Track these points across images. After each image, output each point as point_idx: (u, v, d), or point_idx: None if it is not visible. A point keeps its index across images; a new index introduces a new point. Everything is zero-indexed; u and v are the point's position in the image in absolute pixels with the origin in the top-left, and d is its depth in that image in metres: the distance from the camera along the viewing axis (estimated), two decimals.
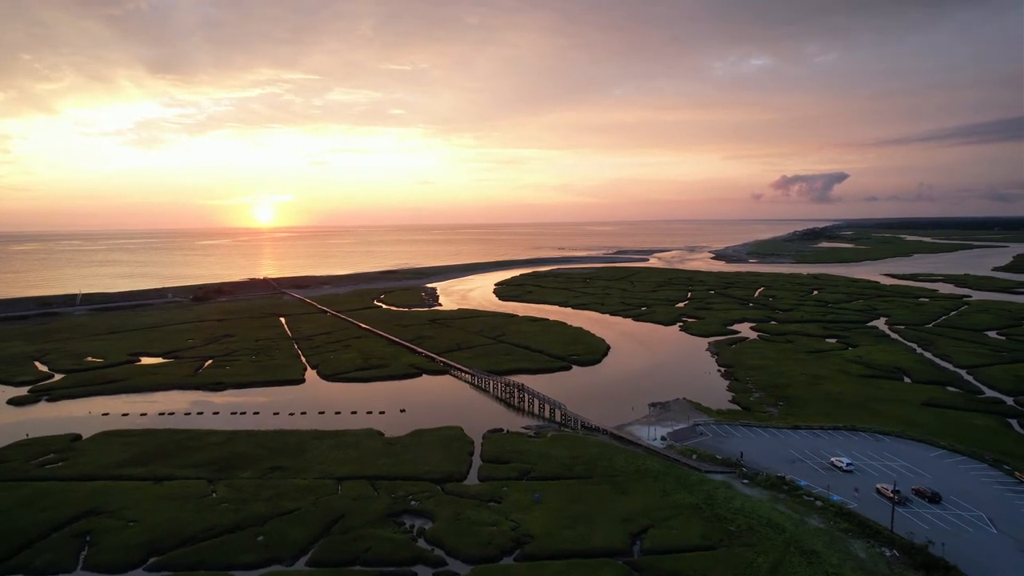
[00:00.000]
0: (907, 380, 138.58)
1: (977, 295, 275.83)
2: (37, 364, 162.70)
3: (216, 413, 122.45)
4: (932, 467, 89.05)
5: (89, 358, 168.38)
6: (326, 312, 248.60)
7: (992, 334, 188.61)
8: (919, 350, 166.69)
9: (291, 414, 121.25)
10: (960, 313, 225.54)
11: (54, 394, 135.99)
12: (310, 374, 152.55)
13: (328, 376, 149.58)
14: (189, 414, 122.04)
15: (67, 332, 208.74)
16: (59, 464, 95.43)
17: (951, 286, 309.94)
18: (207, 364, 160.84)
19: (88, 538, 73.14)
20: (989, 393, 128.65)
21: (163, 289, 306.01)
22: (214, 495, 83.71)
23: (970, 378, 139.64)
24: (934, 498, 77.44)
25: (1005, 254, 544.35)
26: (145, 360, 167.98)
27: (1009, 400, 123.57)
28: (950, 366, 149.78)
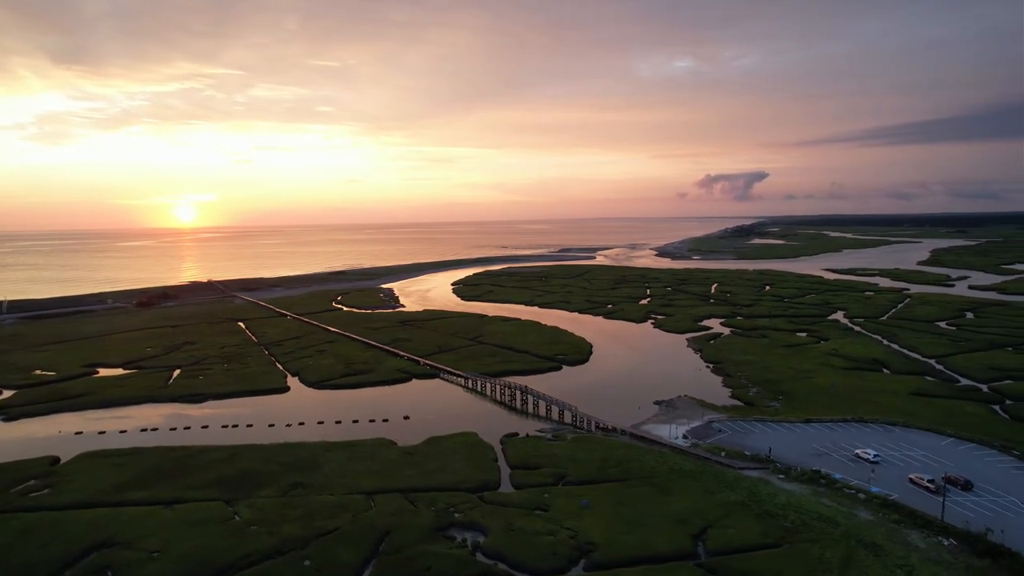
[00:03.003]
0: (886, 371, 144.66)
1: (914, 288, 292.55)
2: None
3: (205, 427, 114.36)
4: (949, 455, 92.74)
5: (38, 371, 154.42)
6: (286, 316, 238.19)
7: (943, 324, 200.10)
8: (885, 342, 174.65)
9: (288, 425, 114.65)
10: (906, 306, 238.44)
11: (10, 412, 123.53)
12: (292, 382, 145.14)
13: (313, 383, 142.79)
14: (175, 429, 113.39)
15: (2, 343, 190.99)
16: (46, 491, 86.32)
17: (888, 280, 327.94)
18: (176, 374, 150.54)
19: (110, 573, 66.11)
20: (964, 382, 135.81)
21: (102, 294, 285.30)
22: (237, 518, 77.52)
23: (941, 367, 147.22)
24: (966, 486, 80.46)
25: (921, 249, 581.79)
26: (104, 372, 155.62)
27: (984, 387, 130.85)
28: (919, 357, 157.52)
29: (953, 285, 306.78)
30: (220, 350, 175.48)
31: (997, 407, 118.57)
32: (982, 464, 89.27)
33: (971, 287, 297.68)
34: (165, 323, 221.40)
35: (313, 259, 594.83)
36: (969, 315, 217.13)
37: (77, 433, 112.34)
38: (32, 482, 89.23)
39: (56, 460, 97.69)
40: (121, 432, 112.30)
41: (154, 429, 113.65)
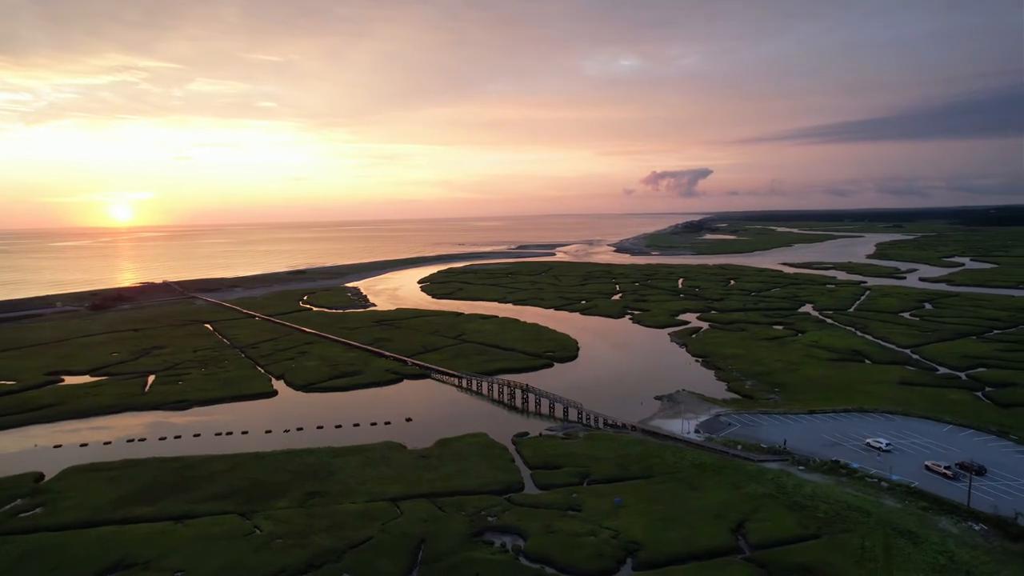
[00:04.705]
0: (868, 362, 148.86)
1: (871, 281, 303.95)
2: None
3: (197, 435, 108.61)
4: (953, 442, 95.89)
5: None
6: (254, 317, 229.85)
7: (906, 315, 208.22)
8: (859, 333, 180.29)
9: (286, 431, 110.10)
10: (869, 298, 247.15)
11: None
12: (279, 385, 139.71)
13: (302, 387, 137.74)
14: (165, 439, 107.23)
15: None
16: (38, 511, 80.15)
17: (844, 273, 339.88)
18: (152, 380, 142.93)
19: None
20: (942, 370, 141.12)
21: (49, 297, 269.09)
22: (258, 531, 73.53)
23: (918, 357, 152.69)
24: (980, 471, 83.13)
25: (865, 243, 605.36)
26: (69, 379, 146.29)
27: (963, 375, 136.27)
28: (895, 347, 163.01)
29: (904, 277, 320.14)
30: (193, 354, 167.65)
31: (979, 394, 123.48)
32: (985, 449, 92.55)
33: (921, 279, 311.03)
34: (126, 327, 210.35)
35: (267, 258, 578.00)
36: (928, 306, 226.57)
37: (56, 446, 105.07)
38: (19, 501, 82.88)
39: (40, 476, 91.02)
40: (105, 444, 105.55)
41: (142, 439, 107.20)
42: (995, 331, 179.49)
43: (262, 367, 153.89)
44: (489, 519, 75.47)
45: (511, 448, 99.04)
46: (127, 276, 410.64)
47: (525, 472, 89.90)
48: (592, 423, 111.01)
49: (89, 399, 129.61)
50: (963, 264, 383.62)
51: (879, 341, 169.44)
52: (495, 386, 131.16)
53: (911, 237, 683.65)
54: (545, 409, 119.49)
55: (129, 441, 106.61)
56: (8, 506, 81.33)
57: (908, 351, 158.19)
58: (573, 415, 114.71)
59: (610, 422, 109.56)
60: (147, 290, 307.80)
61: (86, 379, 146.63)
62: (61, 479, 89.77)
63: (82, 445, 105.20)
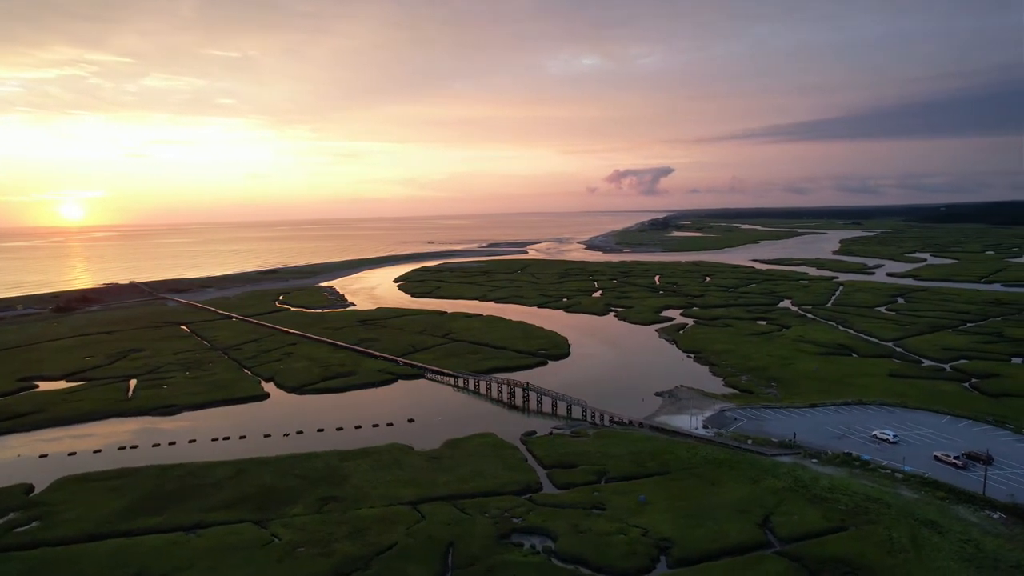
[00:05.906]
0: (855, 356, 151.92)
1: (842, 276, 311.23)
2: None
3: (192, 441, 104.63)
4: (953, 432, 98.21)
5: None
6: (231, 317, 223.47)
7: (882, 310, 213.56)
8: (841, 328, 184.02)
9: (286, 435, 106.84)
10: (843, 293, 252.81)
11: None
12: (269, 388, 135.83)
13: (294, 389, 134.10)
14: (158, 445, 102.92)
15: None
16: (35, 525, 75.87)
17: (814, 269, 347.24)
18: (134, 384, 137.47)
19: None
20: (927, 362, 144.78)
21: (10, 299, 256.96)
22: (277, 540, 70.87)
23: (901, 350, 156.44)
24: (988, 460, 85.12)
25: (829, 240, 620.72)
26: (44, 386, 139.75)
27: (947, 367, 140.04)
28: (878, 340, 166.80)
29: (873, 273, 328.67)
30: (174, 356, 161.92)
31: (966, 385, 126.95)
32: (987, 439, 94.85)
33: (889, 275, 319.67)
34: (97, 329, 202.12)
35: (234, 258, 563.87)
36: (900, 300, 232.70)
37: (42, 456, 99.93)
38: (12, 515, 78.35)
39: (30, 488, 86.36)
40: (96, 452, 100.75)
41: (134, 447, 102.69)
42: (968, 324, 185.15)
43: (249, 369, 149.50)
44: (514, 520, 74.20)
45: (521, 448, 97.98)
46: (90, 277, 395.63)
47: (540, 472, 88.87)
48: (598, 421, 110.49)
49: (69, 406, 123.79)
50: (925, 259, 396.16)
51: (862, 335, 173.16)
52: (494, 385, 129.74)
53: (871, 234, 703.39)
54: (547, 408, 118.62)
55: (120, 449, 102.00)
56: (2, 520, 76.84)
57: (891, 344, 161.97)
58: (577, 413, 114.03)
59: (617, 419, 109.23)
60: (113, 291, 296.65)
61: (62, 385, 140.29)
62: (54, 490, 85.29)
63: (70, 454, 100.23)
